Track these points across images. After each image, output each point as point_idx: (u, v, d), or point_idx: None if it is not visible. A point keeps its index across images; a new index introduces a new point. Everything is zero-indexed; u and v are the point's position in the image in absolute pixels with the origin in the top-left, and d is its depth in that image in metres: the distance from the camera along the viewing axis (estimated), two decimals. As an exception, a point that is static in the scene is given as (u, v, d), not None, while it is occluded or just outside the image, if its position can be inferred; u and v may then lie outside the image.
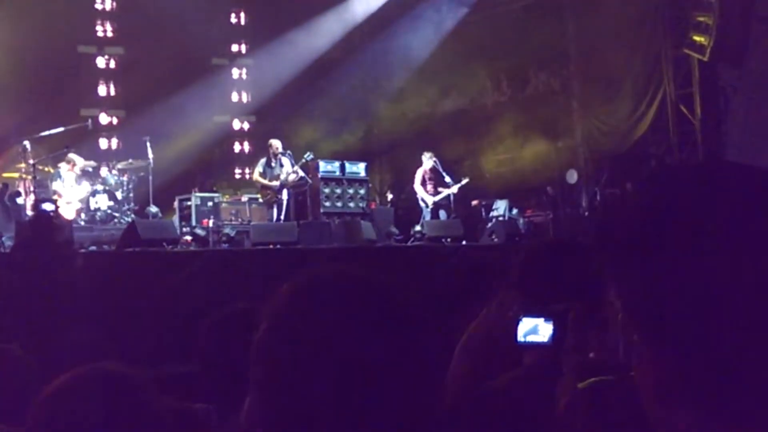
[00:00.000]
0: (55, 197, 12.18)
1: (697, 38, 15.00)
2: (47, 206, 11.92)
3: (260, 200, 13.91)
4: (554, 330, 2.02)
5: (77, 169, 12.85)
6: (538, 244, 3.02)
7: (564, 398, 1.75)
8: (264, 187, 13.51)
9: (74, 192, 12.70)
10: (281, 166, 13.47)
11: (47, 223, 9.02)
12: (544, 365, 2.20)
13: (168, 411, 2.06)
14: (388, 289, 1.28)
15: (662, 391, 0.94)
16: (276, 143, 13.63)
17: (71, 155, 12.81)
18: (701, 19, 14.87)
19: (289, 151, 13.68)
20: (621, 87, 16.23)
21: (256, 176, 13.70)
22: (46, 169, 12.86)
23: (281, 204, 13.35)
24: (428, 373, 1.26)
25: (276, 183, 13.35)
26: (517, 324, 2.07)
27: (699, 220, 0.91)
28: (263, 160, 13.70)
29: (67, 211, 12.33)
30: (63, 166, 12.70)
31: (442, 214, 14.26)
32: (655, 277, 0.92)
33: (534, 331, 2.05)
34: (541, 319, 2.05)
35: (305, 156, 13.63)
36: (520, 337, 2.07)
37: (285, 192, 13.41)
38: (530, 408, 2.22)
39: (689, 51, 15.27)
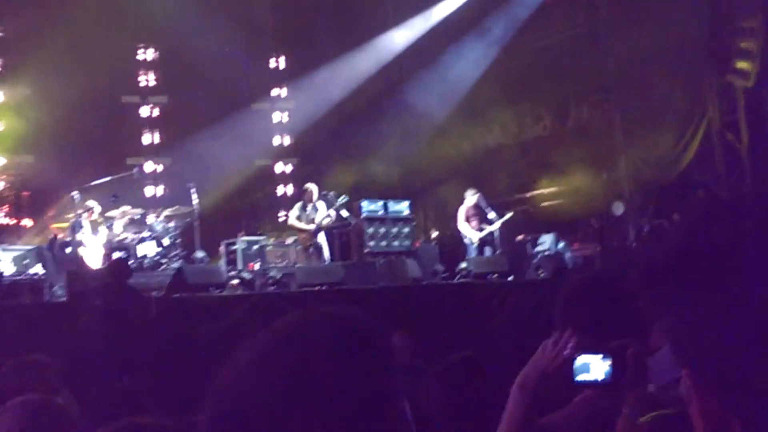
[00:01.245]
0: (80, 245, 12.28)
1: (740, 64, 14.84)
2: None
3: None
4: (612, 367, 1.99)
5: (94, 217, 12.74)
6: (587, 281, 2.96)
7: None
8: (300, 230, 13.55)
9: (94, 239, 12.58)
10: (316, 210, 13.48)
11: (125, 271, 9.12)
12: (600, 402, 2.15)
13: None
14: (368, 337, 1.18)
15: (711, 425, 0.91)
16: (312, 188, 13.64)
17: (88, 202, 12.78)
18: (744, 45, 14.72)
19: (327, 193, 13.71)
20: (664, 116, 16.07)
21: (291, 220, 13.75)
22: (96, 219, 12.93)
23: (319, 247, 13.34)
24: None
25: (311, 227, 13.35)
26: (573, 362, 2.03)
27: (742, 254, 0.88)
28: (299, 204, 13.75)
29: (92, 259, 12.31)
30: (83, 215, 12.63)
31: (488, 250, 14.14)
32: (696, 312, 0.90)
33: (590, 368, 2.01)
34: (599, 357, 2.01)
35: (340, 199, 13.58)
36: (577, 376, 2.03)
37: (321, 235, 13.41)
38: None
39: (733, 78, 15.10)
